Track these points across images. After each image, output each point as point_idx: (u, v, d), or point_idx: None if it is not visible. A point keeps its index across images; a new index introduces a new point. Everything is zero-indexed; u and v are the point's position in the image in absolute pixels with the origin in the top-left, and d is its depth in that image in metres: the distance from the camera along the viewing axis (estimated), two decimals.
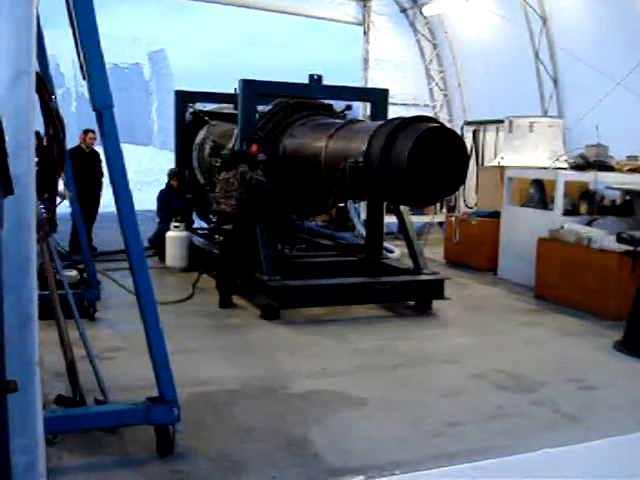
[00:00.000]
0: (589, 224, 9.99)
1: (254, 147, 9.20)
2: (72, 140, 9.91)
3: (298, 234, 11.41)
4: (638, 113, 12.57)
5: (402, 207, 9.58)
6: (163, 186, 12.74)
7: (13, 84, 2.92)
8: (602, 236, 9.12)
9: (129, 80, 72.75)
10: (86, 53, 4.24)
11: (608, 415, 5.65)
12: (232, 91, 11.29)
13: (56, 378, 5.44)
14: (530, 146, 13.03)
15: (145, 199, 13.84)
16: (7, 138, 2.66)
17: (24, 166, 2.95)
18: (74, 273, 8.22)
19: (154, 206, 12.72)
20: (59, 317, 4.90)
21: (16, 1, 2.98)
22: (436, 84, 18.84)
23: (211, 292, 9.39)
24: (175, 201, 12.13)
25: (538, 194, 11.05)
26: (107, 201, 10.72)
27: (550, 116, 14.46)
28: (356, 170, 8.22)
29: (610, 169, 10.70)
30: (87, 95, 4.38)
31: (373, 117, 10.41)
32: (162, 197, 12.42)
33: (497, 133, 15.26)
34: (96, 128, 4.65)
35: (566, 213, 10.36)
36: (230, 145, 10.74)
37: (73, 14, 4.30)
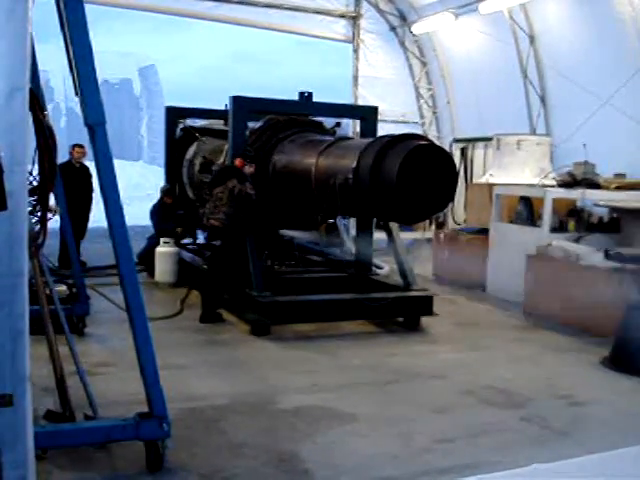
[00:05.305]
0: (577, 241, 10.06)
1: (238, 161, 9.23)
2: (62, 155, 9.93)
3: (288, 250, 11.42)
4: (625, 131, 12.72)
5: (391, 224, 9.63)
6: (153, 201, 12.74)
7: (7, 100, 2.93)
8: (590, 253, 9.18)
9: (119, 95, 72.77)
10: (79, 69, 4.27)
11: (597, 430, 5.68)
12: (223, 107, 11.33)
13: (45, 393, 5.41)
14: (518, 164, 13.12)
15: (134, 214, 13.81)
16: (2, 154, 2.68)
17: (17, 182, 2.97)
18: (63, 288, 8.20)
19: (144, 221, 12.70)
20: (49, 332, 4.88)
21: (10, 18, 3.00)
22: (425, 102, 18.98)
23: (200, 308, 9.38)
24: (166, 218, 12.12)
25: (526, 211, 11.13)
26: (96, 216, 10.73)
27: (538, 134, 14.59)
28: (346, 187, 8.27)
29: (597, 187, 10.79)
30: (77, 110, 4.41)
31: (363, 134, 10.47)
32: (155, 211, 12.40)
33: (485, 150, 15.38)
34: (85, 143, 4.67)
35: (554, 230, 10.44)
36: (220, 161, 10.76)
37: (66, 30, 4.32)
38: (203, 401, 6.04)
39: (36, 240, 4.45)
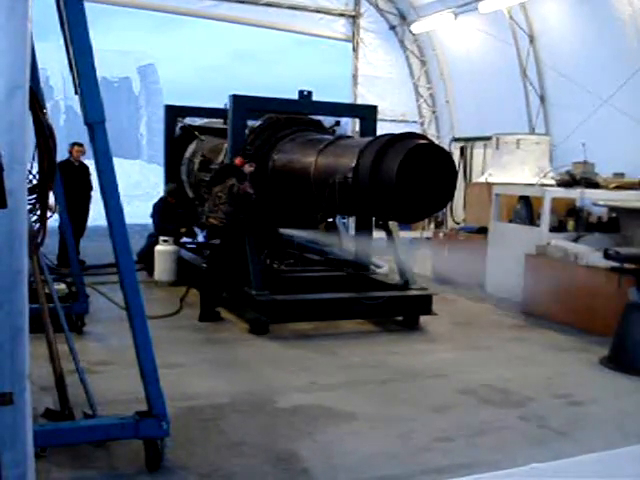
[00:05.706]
0: (576, 240, 10.06)
1: (238, 160, 9.24)
2: (61, 154, 9.91)
3: (287, 249, 11.41)
4: (624, 130, 12.73)
5: (390, 223, 9.62)
6: (153, 200, 12.71)
7: (7, 98, 2.93)
8: (589, 252, 9.19)
9: (118, 94, 72.64)
10: (79, 68, 4.26)
11: (595, 430, 5.68)
12: (222, 106, 11.33)
13: (44, 392, 5.41)
14: (517, 163, 13.14)
15: (133, 213, 13.82)
16: (2, 152, 2.68)
17: (17, 180, 2.96)
18: (62, 286, 8.19)
19: (143, 220, 12.68)
20: (49, 331, 4.88)
21: (11, 15, 2.99)
22: (424, 101, 19.00)
23: (199, 307, 9.37)
24: (167, 218, 12.08)
25: (525, 210, 11.13)
26: (95, 215, 10.73)
27: (537, 133, 14.60)
28: (345, 186, 8.26)
29: (596, 186, 10.79)
30: (76, 108, 4.41)
31: (362, 133, 10.47)
32: (156, 210, 12.35)
33: (485, 150, 15.39)
34: (84, 141, 4.65)
35: (553, 229, 10.44)
36: (219, 160, 10.76)
37: (66, 29, 4.31)
38: (202, 400, 6.04)
39: (35, 238, 4.45)
